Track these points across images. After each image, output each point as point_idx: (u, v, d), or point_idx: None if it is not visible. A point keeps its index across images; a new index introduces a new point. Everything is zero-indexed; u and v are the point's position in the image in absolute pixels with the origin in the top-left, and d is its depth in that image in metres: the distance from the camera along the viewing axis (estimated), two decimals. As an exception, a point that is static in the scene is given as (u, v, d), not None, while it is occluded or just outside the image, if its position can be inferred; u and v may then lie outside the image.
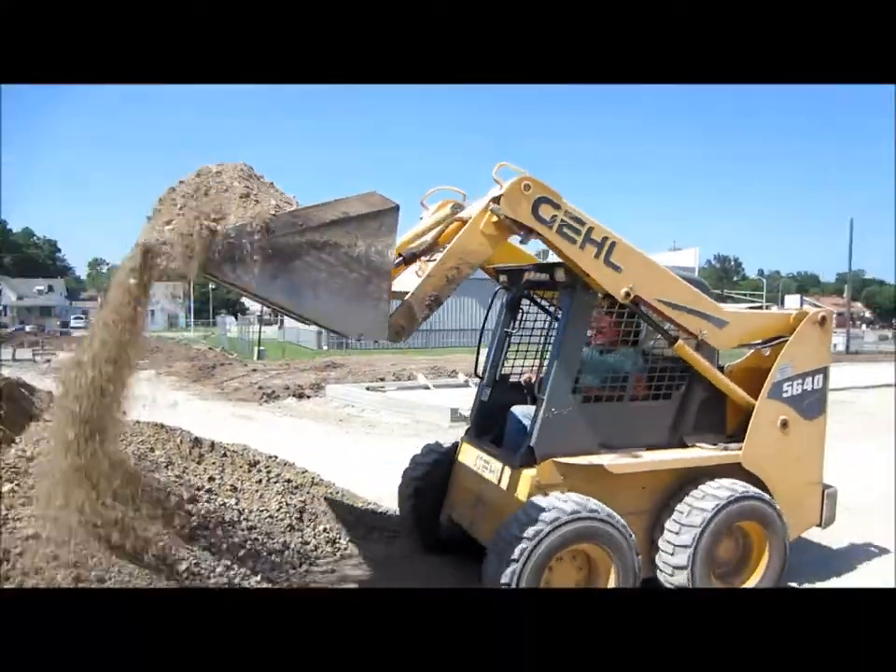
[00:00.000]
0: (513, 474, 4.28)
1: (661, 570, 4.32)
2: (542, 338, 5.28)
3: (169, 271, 2.73)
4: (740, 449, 4.55)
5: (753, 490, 4.40)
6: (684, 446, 4.59)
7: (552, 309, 5.16)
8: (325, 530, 5.49)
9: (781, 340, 4.74)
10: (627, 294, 4.05)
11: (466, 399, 13.48)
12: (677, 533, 4.25)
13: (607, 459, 4.17)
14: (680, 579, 4.19)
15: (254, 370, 20.73)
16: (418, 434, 11.08)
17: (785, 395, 4.69)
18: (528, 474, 4.15)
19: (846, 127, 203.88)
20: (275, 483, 5.86)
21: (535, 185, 3.75)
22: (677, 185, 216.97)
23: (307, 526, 5.46)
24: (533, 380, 5.11)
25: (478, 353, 5.13)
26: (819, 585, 4.92)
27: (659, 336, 4.42)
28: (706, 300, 4.41)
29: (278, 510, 5.44)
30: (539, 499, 3.92)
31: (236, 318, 51.32)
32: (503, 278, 5.04)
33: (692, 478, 4.43)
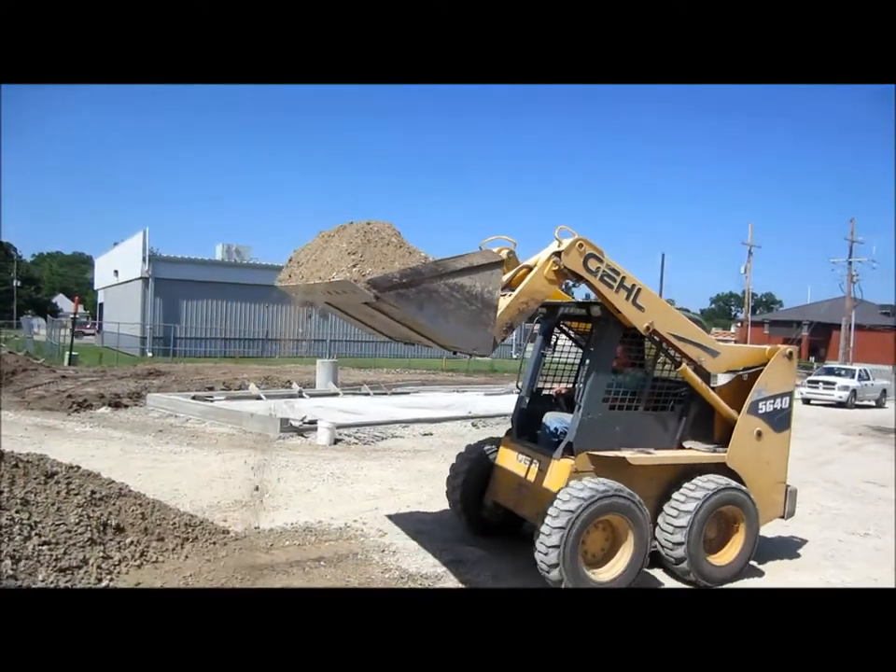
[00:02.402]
0: (554, 464, 5.51)
1: (662, 545, 5.56)
2: (562, 357, 6.55)
3: (353, 297, 3.95)
4: (725, 452, 5.86)
5: (735, 483, 5.71)
6: (682, 448, 5.89)
7: (577, 337, 6.45)
8: (132, 543, 5.27)
9: (758, 368, 6.10)
10: (648, 328, 5.35)
11: (304, 410, 13.29)
12: (676, 515, 5.50)
13: (628, 454, 5.43)
14: (678, 552, 5.43)
15: (63, 376, 19.06)
16: (243, 444, 10.77)
17: (760, 411, 6.04)
18: (567, 463, 5.38)
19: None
20: (76, 494, 5.46)
21: (586, 244, 5.05)
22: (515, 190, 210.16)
23: (110, 540, 5.21)
24: (563, 392, 6.38)
25: (520, 370, 6.37)
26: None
27: (668, 360, 5.73)
28: (704, 334, 5.74)
29: (78, 523, 5.10)
30: (577, 483, 5.13)
31: (46, 320, 44.01)
32: (542, 310, 6.32)
33: (688, 472, 5.72)
